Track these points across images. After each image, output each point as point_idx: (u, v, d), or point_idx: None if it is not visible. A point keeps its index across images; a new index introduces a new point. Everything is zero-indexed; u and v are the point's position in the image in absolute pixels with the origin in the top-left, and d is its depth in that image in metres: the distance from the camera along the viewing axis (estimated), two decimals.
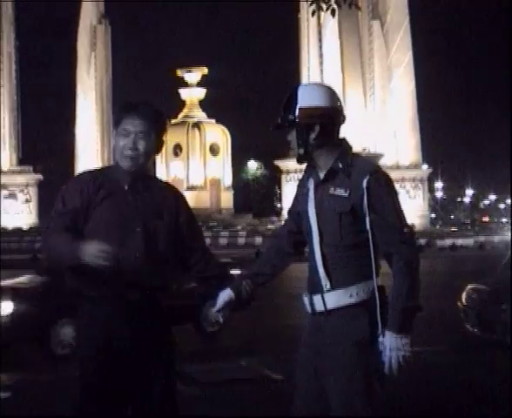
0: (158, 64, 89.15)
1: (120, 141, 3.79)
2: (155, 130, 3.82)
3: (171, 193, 3.93)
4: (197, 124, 60.68)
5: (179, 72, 62.92)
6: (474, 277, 11.96)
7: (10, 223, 59.71)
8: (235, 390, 7.54)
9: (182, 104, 63.37)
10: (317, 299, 3.59)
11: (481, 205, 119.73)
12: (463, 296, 10.70)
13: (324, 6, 9.34)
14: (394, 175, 63.17)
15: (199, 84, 63.09)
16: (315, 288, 3.60)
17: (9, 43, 65.32)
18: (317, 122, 3.55)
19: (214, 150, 61.41)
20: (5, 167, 63.21)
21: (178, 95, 63.39)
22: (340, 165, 3.56)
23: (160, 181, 4.03)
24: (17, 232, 55.94)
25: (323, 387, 3.55)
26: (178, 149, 60.00)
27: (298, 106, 3.56)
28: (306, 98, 3.57)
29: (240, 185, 77.13)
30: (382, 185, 3.52)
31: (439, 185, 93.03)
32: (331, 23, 59.40)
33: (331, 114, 3.59)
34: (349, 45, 59.74)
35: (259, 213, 61.22)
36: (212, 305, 3.84)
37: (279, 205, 72.82)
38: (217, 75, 68.20)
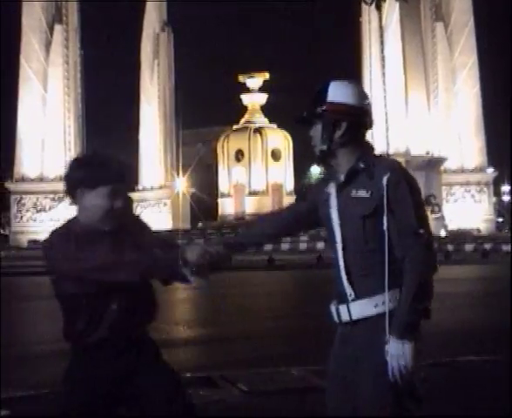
0: (219, 70, 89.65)
1: (104, 202, 3.60)
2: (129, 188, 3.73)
3: (138, 222, 3.84)
4: (258, 130, 60.85)
5: (241, 78, 63.24)
6: None
7: None
8: (285, 400, 7.39)
9: (244, 109, 63.67)
10: (343, 308, 3.45)
11: None
12: None
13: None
14: (458, 179, 63.07)
15: (261, 90, 63.28)
16: (341, 298, 3.47)
17: (74, 52, 66.62)
18: (344, 119, 3.44)
19: (276, 155, 61.48)
20: None
21: (240, 100, 63.68)
22: (362, 165, 3.42)
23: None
24: None
25: (355, 399, 3.39)
26: (239, 154, 60.16)
27: (327, 100, 3.46)
28: (337, 94, 3.46)
29: (303, 190, 77.00)
30: (402, 183, 3.34)
31: (506, 188, 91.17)
32: (393, 26, 58.84)
33: (359, 114, 3.47)
34: (412, 48, 58.98)
35: None
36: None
37: None
38: (278, 80, 68.11)
